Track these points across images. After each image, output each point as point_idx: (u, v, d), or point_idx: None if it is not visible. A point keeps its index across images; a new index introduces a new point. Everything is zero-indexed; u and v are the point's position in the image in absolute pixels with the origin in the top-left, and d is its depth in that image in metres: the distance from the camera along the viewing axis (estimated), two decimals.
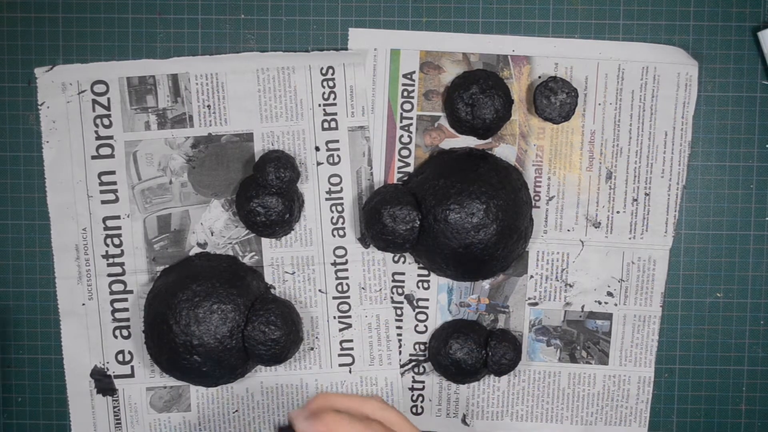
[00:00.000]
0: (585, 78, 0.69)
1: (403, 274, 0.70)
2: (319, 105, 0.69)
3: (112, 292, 0.70)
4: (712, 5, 0.69)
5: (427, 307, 0.70)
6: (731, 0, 0.69)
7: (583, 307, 0.70)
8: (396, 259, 0.70)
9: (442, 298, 0.70)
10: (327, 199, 0.70)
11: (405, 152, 0.69)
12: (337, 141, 0.69)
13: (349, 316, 0.70)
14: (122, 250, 0.70)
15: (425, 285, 0.70)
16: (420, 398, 0.71)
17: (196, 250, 0.70)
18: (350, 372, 0.71)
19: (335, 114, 0.69)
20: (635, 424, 0.71)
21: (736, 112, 0.69)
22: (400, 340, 0.71)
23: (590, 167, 0.69)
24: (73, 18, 0.69)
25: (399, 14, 0.69)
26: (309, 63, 0.69)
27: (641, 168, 0.69)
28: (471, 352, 0.67)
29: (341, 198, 0.69)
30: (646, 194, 0.69)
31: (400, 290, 0.70)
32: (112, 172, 0.69)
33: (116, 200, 0.69)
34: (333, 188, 0.69)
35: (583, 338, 0.70)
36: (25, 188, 0.70)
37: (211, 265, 0.68)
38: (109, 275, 0.70)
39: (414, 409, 0.71)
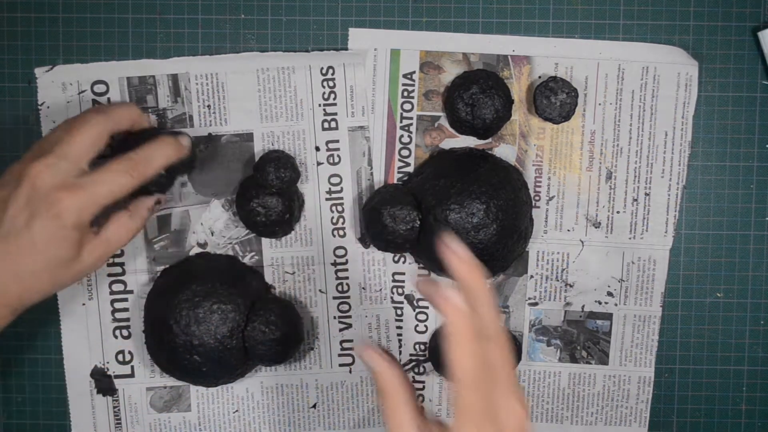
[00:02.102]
0: (585, 78, 0.69)
1: (403, 274, 0.70)
2: (319, 105, 0.69)
3: (112, 292, 0.70)
4: (712, 5, 0.69)
5: (427, 307, 0.70)
6: (731, 0, 0.69)
7: (583, 307, 0.70)
8: (396, 259, 0.70)
9: None
10: (327, 199, 0.70)
11: (405, 152, 0.69)
12: (337, 141, 0.69)
13: (350, 316, 0.70)
14: (122, 250, 0.70)
15: None
16: (420, 398, 0.71)
17: (196, 250, 0.70)
18: (350, 372, 0.71)
19: (335, 114, 0.69)
20: (635, 424, 0.71)
21: (736, 112, 0.69)
22: (400, 340, 0.71)
23: (590, 167, 0.69)
24: (73, 18, 0.69)
25: (399, 14, 0.69)
26: (309, 63, 0.69)
27: (641, 168, 0.69)
28: None
29: (341, 198, 0.69)
30: (646, 194, 0.69)
31: (400, 290, 0.70)
32: None
33: None
34: (333, 188, 0.69)
35: (583, 338, 0.70)
36: None
37: (211, 265, 0.68)
38: (109, 275, 0.70)
39: None
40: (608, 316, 0.70)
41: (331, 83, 0.69)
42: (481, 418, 0.46)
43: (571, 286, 0.70)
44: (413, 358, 0.71)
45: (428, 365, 0.71)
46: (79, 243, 0.57)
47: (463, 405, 0.46)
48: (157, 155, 0.60)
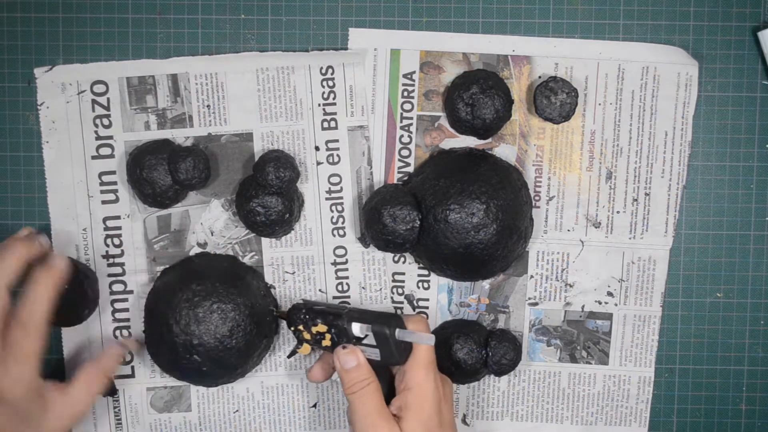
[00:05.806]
0: (585, 78, 0.69)
1: (403, 274, 0.70)
2: (319, 105, 0.69)
3: (112, 292, 0.70)
4: (712, 5, 0.69)
5: (427, 307, 0.70)
6: (731, 0, 0.69)
7: (583, 307, 0.70)
8: (396, 259, 0.70)
9: (442, 298, 0.70)
10: (327, 199, 0.70)
11: (405, 152, 0.69)
12: (337, 141, 0.69)
13: None
14: (122, 250, 0.70)
15: (425, 285, 0.70)
16: None
17: (196, 250, 0.70)
18: None
19: (335, 114, 0.69)
20: (635, 424, 0.71)
21: (736, 112, 0.69)
22: None
23: (590, 167, 0.69)
24: (73, 18, 0.69)
25: (399, 14, 0.69)
26: (309, 63, 0.69)
27: (641, 168, 0.69)
28: (471, 352, 0.67)
29: (341, 198, 0.69)
30: (646, 194, 0.69)
31: (400, 290, 0.70)
32: (112, 172, 0.69)
33: (116, 200, 0.69)
34: (333, 188, 0.69)
35: (583, 338, 0.70)
36: (25, 188, 0.70)
37: (211, 265, 0.68)
38: (109, 275, 0.70)
39: None
40: (608, 316, 0.70)
41: (330, 83, 0.69)
42: None
43: (571, 286, 0.70)
44: None
45: None
46: (38, 402, 0.59)
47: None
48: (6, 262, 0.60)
